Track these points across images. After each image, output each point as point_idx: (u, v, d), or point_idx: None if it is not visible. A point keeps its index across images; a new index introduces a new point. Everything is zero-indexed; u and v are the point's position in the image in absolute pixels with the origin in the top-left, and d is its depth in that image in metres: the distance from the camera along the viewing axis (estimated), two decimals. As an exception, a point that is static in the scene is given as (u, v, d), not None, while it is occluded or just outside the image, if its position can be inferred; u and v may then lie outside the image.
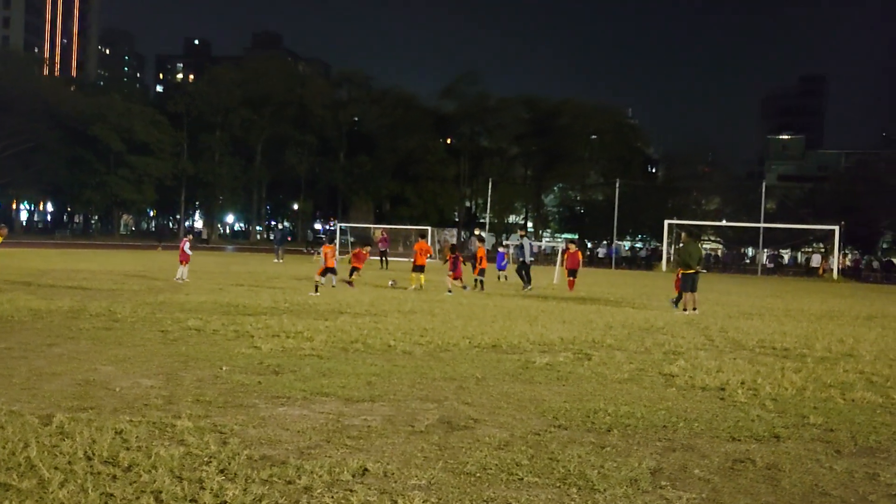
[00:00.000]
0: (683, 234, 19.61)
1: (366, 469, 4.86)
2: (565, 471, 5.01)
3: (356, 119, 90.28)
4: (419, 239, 24.85)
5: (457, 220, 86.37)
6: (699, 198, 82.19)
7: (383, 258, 37.27)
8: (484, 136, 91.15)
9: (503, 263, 28.34)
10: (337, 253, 21.55)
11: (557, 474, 4.94)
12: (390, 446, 5.44)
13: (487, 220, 69.67)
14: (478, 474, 4.88)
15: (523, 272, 23.30)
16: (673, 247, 48.19)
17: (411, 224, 63.79)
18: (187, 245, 21.68)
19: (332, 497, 4.38)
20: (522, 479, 4.83)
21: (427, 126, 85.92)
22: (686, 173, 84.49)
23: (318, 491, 4.47)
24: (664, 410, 6.93)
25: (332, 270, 20.20)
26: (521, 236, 25.98)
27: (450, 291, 20.46)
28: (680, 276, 17.66)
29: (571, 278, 24.25)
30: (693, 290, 17.14)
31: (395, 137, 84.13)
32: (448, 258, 21.92)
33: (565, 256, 25.91)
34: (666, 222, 48.75)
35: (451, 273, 21.05)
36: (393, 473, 4.82)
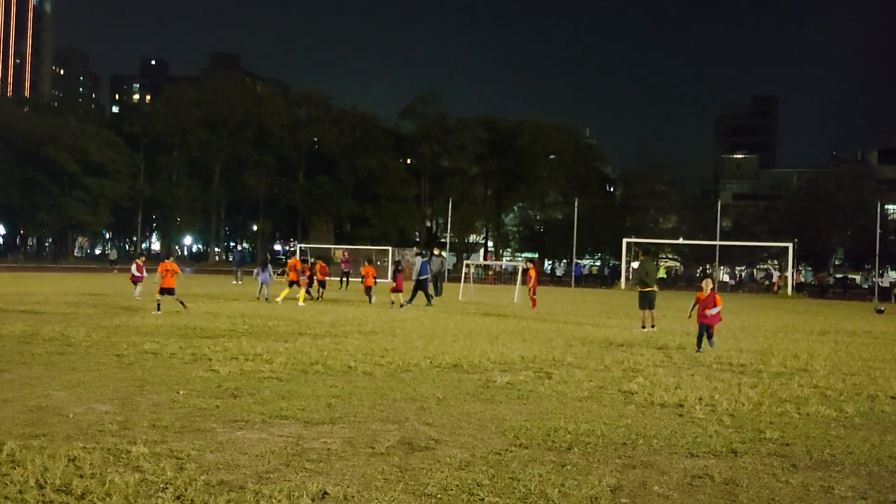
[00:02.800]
0: (640, 253, 19.83)
1: (325, 492, 4.82)
2: (526, 490, 5.01)
3: (315, 139, 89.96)
4: (365, 263, 26.15)
5: (417, 239, 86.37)
6: (657, 216, 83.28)
7: (345, 279, 37.13)
8: (444, 157, 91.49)
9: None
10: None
11: (518, 494, 4.94)
12: (350, 469, 5.39)
13: (448, 240, 69.80)
14: (439, 496, 4.86)
15: (418, 288, 23.57)
16: (631, 265, 48.72)
17: (372, 244, 63.67)
18: (134, 267, 22.08)
19: (292, 521, 4.32)
20: (483, 499, 4.82)
21: (387, 146, 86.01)
22: (643, 192, 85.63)
23: (277, 516, 4.42)
24: (624, 427, 6.97)
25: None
26: (416, 253, 26.35)
27: (402, 306, 21.83)
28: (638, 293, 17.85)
29: (534, 297, 24.79)
30: (651, 307, 17.32)
31: (355, 157, 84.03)
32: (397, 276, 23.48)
33: (528, 276, 26.25)
34: (624, 240, 49.27)
35: (393, 287, 22.81)
36: (353, 497, 4.78)
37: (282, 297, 22.85)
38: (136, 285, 22.05)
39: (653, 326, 17.23)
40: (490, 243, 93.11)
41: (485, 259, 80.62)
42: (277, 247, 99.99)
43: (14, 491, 4.64)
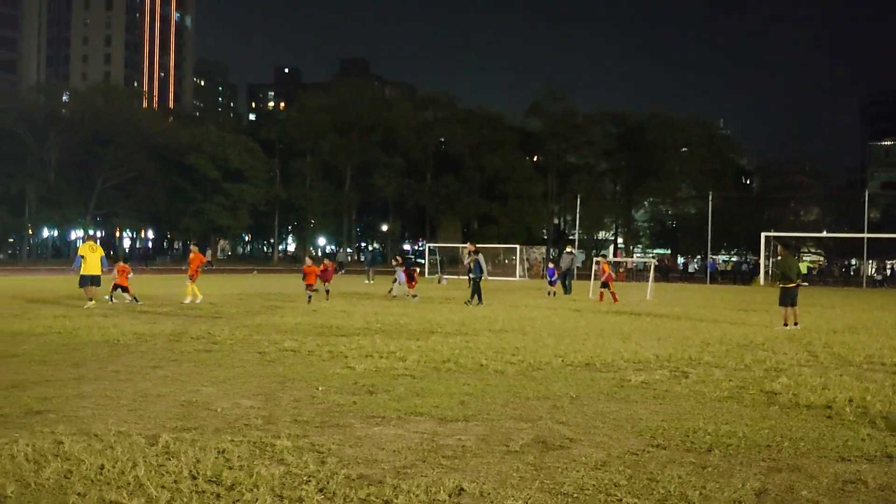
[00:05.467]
0: (780, 247, 19.00)
1: (462, 489, 4.85)
2: (665, 491, 4.89)
3: (442, 140, 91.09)
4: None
5: (545, 237, 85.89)
6: (797, 208, 79.62)
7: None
8: (571, 153, 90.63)
9: (553, 279, 29.30)
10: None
11: (657, 495, 4.83)
12: (486, 466, 5.41)
13: (577, 237, 69.07)
14: (575, 495, 4.81)
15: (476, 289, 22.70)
16: (770, 260, 46.74)
17: (500, 243, 63.75)
18: (131, 274, 21.22)
19: (430, 517, 4.38)
20: (621, 499, 4.74)
21: (513, 144, 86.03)
22: (782, 184, 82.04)
23: (416, 511, 4.49)
24: (767, 429, 6.69)
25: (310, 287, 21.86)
26: (472, 251, 24.34)
27: (414, 296, 23.20)
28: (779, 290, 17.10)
29: (604, 290, 25.45)
30: (793, 304, 16.56)
31: (482, 156, 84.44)
32: (412, 271, 24.35)
33: (601, 270, 26.49)
34: (762, 235, 47.32)
35: (409, 283, 23.83)
36: (489, 493, 4.79)
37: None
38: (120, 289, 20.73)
39: (795, 324, 16.47)
40: (620, 240, 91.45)
41: (615, 256, 79.24)
42: (407, 246, 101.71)
43: (170, 481, 4.91)
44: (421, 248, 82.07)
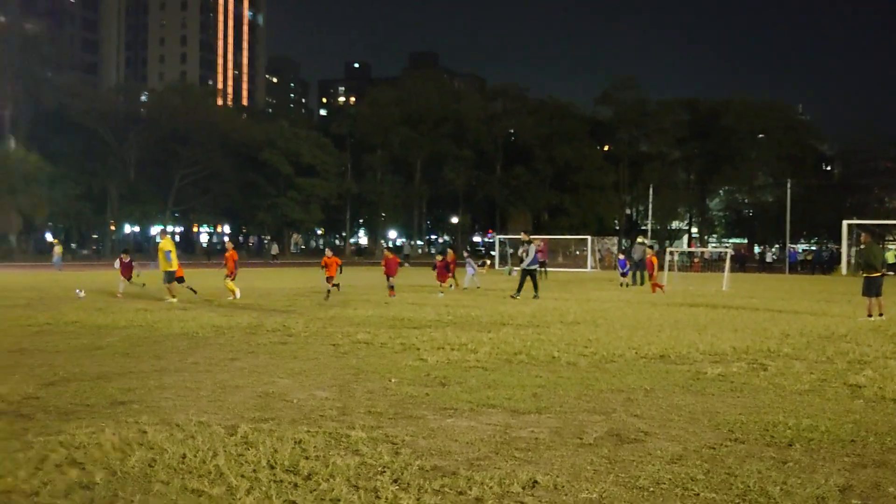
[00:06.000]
0: (864, 235, 18.36)
1: (535, 481, 4.84)
2: (744, 486, 4.78)
3: (512, 131, 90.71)
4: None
5: (617, 228, 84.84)
6: (881, 195, 76.80)
7: (542, 268, 37.15)
8: (643, 141, 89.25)
9: (625, 270, 29.62)
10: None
11: (736, 490, 4.73)
12: (559, 459, 5.39)
13: (649, 228, 68.03)
14: (651, 489, 4.75)
15: (525, 277, 21.73)
16: (853, 249, 45.24)
17: (571, 234, 63.26)
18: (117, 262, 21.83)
19: (504, 509, 4.38)
20: (699, 494, 4.66)
21: (583, 134, 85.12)
22: (866, 169, 79.20)
23: (490, 502, 4.50)
24: (851, 424, 6.49)
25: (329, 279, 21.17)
26: (526, 241, 22.60)
27: (441, 293, 22.61)
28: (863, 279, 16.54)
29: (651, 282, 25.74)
30: (878, 294, 15.99)
31: (552, 147, 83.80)
32: (447, 263, 23.72)
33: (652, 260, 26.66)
34: (844, 223, 45.81)
35: (443, 276, 23.34)
36: (563, 486, 4.77)
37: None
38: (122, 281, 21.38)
39: (881, 315, 15.91)
40: (694, 229, 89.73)
41: (689, 246, 77.82)
42: (477, 238, 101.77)
43: (248, 470, 5.03)
44: (491, 240, 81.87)
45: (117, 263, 22.28)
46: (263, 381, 8.28)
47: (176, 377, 8.45)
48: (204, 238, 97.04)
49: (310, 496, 4.55)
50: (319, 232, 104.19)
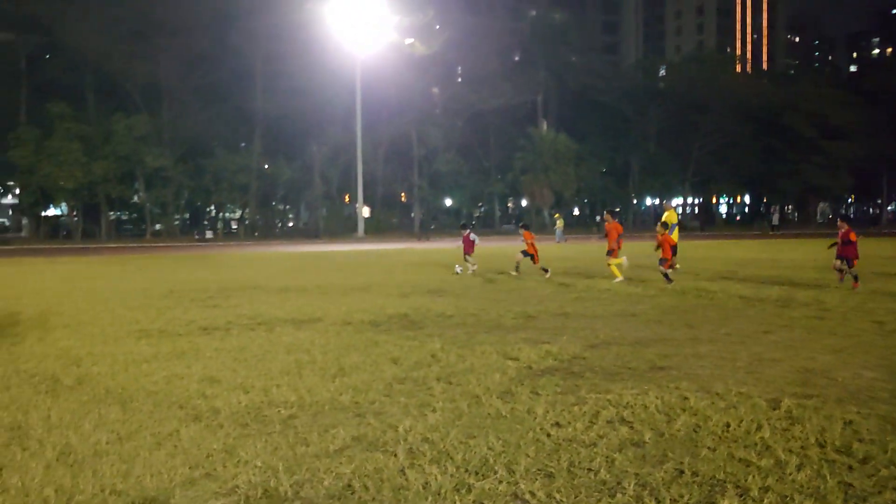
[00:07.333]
0: None
1: None
2: None
3: None
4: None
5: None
6: None
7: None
8: None
9: None
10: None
11: None
12: None
13: None
14: None
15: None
16: None
17: None
18: (472, 236, 19.91)
19: None
20: None
21: None
22: None
23: None
24: None
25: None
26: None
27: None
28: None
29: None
30: None
31: None
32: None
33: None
34: None
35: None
36: None
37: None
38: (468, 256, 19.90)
39: None
40: None
41: None
42: None
43: (796, 446, 4.92)
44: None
45: (460, 241, 21.17)
46: (801, 356, 7.96)
47: (710, 347, 8.56)
48: (723, 209, 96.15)
49: (867, 481, 4.29)
50: (850, 200, 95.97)
